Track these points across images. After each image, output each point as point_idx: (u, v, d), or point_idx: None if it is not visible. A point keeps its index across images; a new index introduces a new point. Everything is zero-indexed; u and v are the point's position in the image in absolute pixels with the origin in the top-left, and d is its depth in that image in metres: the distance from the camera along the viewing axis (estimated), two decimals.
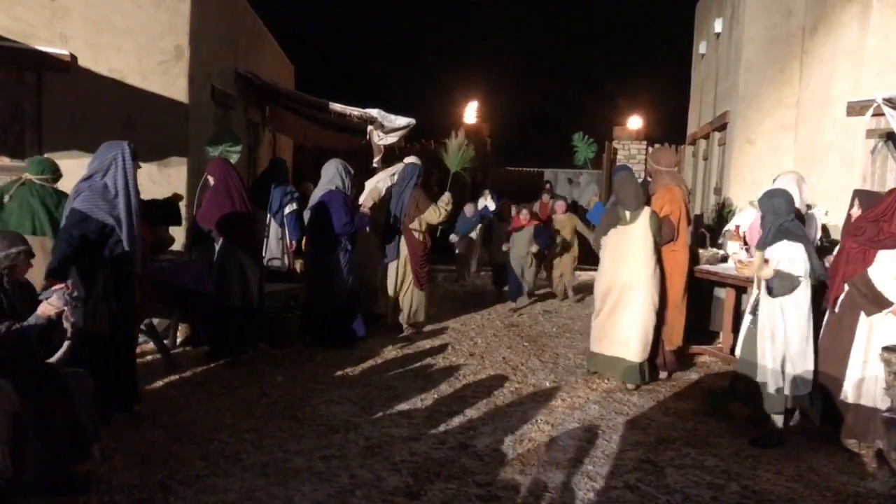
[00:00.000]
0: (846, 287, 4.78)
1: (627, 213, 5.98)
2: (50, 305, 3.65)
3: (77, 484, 3.70)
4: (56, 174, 5.48)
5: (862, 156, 7.36)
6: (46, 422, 3.52)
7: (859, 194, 5.18)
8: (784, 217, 4.83)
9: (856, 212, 5.00)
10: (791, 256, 4.68)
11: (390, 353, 6.86)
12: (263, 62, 10.68)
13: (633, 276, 5.91)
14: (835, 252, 5.37)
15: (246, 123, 9.74)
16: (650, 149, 15.38)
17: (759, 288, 4.91)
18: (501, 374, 6.34)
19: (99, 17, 6.75)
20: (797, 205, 5.40)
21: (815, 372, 4.81)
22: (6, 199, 5.27)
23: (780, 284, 4.67)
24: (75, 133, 6.68)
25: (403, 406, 5.37)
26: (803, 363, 4.77)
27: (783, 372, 4.77)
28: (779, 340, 4.75)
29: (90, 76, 6.71)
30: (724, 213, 8.81)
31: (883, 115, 6.56)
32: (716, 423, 5.24)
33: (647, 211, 6.00)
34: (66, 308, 3.66)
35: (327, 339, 6.86)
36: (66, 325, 3.70)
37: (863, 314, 4.70)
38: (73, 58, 6.63)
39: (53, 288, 3.75)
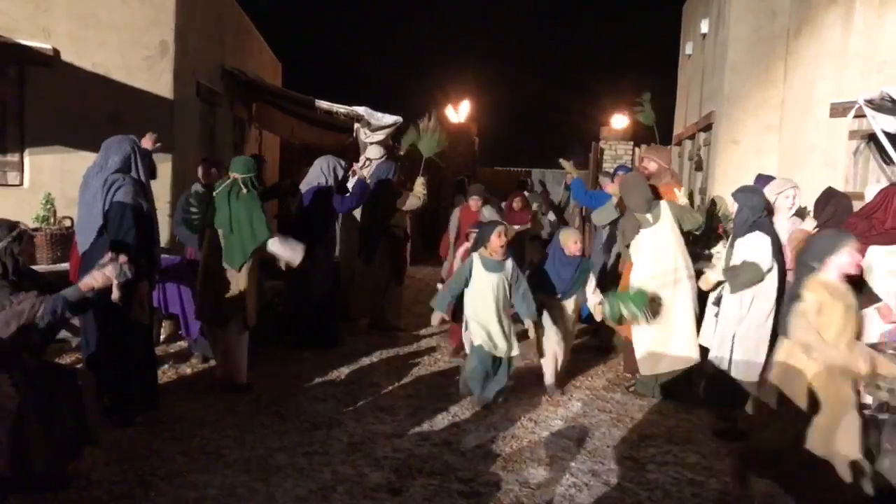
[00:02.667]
0: None
1: (648, 216, 5.67)
2: (102, 275, 3.61)
3: (59, 480, 3.68)
4: (257, 172, 5.59)
5: (844, 156, 7.42)
6: (54, 417, 3.50)
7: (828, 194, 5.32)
8: (759, 213, 4.96)
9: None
10: (760, 247, 4.85)
11: (375, 351, 6.84)
12: (250, 59, 10.64)
13: (676, 275, 5.64)
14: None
15: (232, 120, 9.70)
16: (637, 149, 15.44)
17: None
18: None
19: (83, 12, 6.71)
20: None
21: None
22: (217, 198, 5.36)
23: (744, 277, 4.86)
24: (58, 128, 6.64)
25: (387, 403, 5.37)
26: (755, 351, 4.90)
27: (732, 356, 4.97)
28: (731, 326, 4.95)
29: (73, 71, 6.66)
30: (714, 212, 8.83)
31: (865, 116, 6.61)
32: (698, 420, 5.27)
33: (664, 205, 5.75)
34: (115, 280, 3.64)
35: (306, 338, 6.81)
36: (115, 294, 3.69)
37: None
38: (56, 52, 6.60)
39: (111, 259, 3.72)
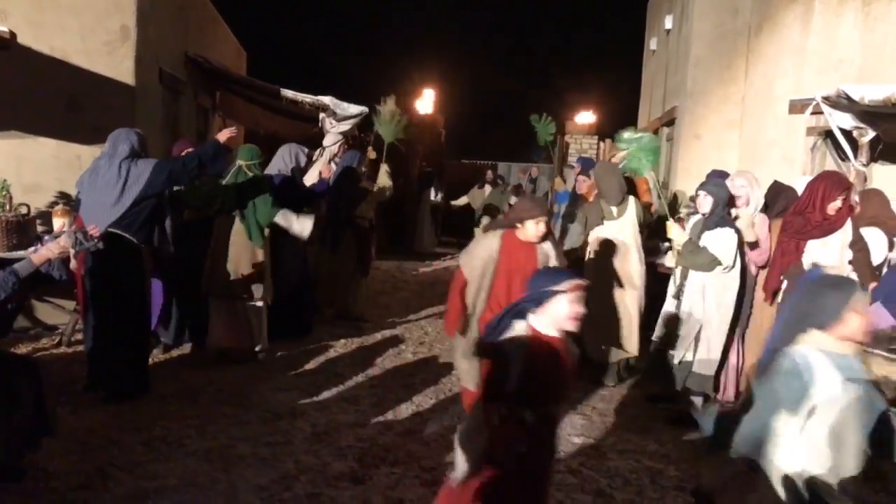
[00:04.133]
0: (784, 281, 4.96)
1: (613, 209, 5.75)
2: (56, 245, 3.54)
3: (15, 471, 3.61)
4: (262, 159, 6.02)
5: (802, 152, 7.59)
6: (13, 406, 3.43)
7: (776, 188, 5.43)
8: (726, 208, 5.08)
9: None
10: (729, 245, 4.93)
11: (338, 341, 6.82)
12: (214, 47, 10.48)
13: (628, 271, 5.73)
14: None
15: (195, 109, 9.55)
16: (601, 143, 15.59)
17: (683, 276, 5.17)
18: (450, 363, 6.34)
19: None
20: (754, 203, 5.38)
21: (723, 358, 5.15)
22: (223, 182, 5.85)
23: (699, 261, 4.95)
24: (14, 113, 6.46)
25: (351, 393, 5.36)
26: (712, 346, 5.05)
27: (696, 351, 5.07)
28: (696, 322, 5.04)
29: (31, 55, 6.49)
30: (676, 206, 8.97)
31: (822, 113, 6.77)
32: (657, 409, 5.35)
33: (631, 200, 5.81)
34: (72, 249, 3.58)
35: (273, 328, 6.69)
36: (73, 263, 3.66)
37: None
38: (13, 35, 6.39)
39: (66, 230, 3.69)
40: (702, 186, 5.22)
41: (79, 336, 5.96)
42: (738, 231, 4.99)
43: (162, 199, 4.91)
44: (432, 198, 14.63)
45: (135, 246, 4.72)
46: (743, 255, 5.07)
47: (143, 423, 4.49)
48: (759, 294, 5.31)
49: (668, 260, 5.33)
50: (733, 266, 4.97)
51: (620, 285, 5.75)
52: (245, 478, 3.85)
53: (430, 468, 4.10)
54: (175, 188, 5.32)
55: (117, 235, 4.59)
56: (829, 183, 4.79)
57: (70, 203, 6.30)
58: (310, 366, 6.02)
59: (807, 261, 4.81)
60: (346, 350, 6.58)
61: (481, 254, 4.24)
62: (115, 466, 3.86)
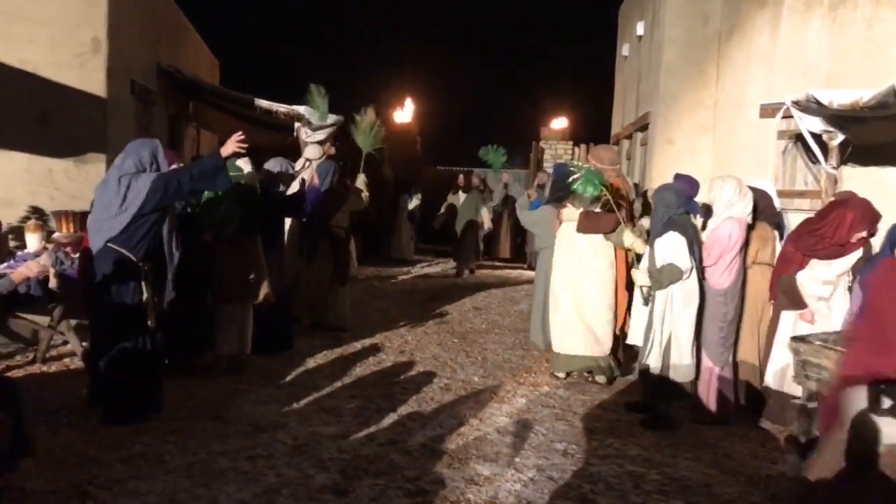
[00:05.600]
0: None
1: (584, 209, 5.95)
2: (37, 264, 3.48)
3: None
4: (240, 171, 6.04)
5: (774, 156, 7.71)
6: None
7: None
8: (674, 210, 5.08)
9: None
10: (676, 247, 4.97)
11: (318, 352, 6.78)
12: (187, 57, 10.42)
13: (594, 268, 5.94)
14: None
15: (168, 119, 9.48)
16: (576, 149, 15.69)
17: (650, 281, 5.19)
18: (431, 371, 6.36)
19: (8, 7, 6.47)
20: (748, 206, 5.26)
21: (698, 361, 5.19)
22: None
23: (667, 280, 4.99)
24: None
25: (332, 404, 5.33)
26: (686, 353, 5.08)
27: (668, 359, 5.10)
28: (667, 330, 5.08)
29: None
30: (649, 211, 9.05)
31: (792, 117, 6.89)
32: (638, 414, 5.39)
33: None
34: (52, 269, 3.55)
35: (258, 343, 6.43)
36: (53, 282, 3.62)
37: None
38: None
39: (47, 248, 3.66)
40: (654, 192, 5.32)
41: (53, 353, 5.88)
42: (686, 232, 5.00)
43: (165, 213, 4.78)
44: (409, 205, 14.62)
45: (132, 263, 4.54)
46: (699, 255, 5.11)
47: (122, 439, 4.42)
48: (756, 294, 5.29)
49: (641, 279, 5.31)
50: (691, 268, 5.01)
51: (587, 281, 6.00)
52: (226, 493, 3.81)
53: (413, 479, 4.09)
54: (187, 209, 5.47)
55: (115, 253, 4.45)
56: (861, 213, 4.72)
57: (42, 218, 6.23)
58: (289, 377, 5.98)
59: (805, 275, 4.87)
60: (326, 360, 6.55)
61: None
62: (93, 485, 3.80)
